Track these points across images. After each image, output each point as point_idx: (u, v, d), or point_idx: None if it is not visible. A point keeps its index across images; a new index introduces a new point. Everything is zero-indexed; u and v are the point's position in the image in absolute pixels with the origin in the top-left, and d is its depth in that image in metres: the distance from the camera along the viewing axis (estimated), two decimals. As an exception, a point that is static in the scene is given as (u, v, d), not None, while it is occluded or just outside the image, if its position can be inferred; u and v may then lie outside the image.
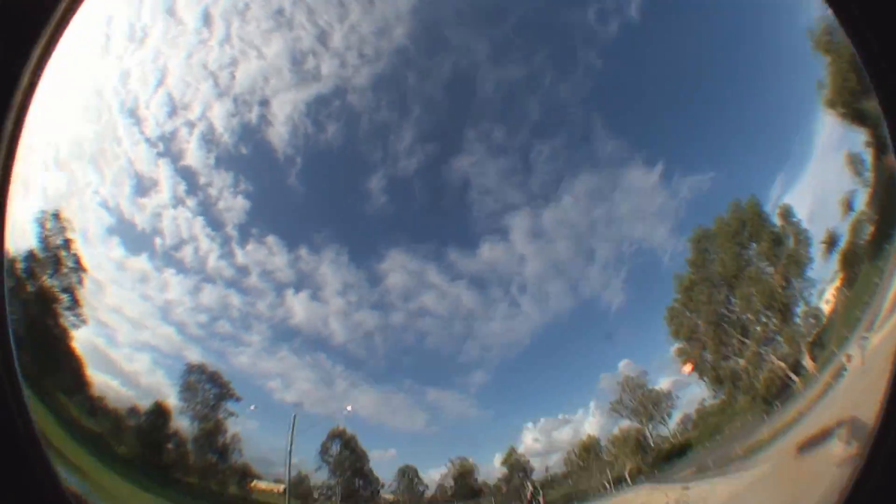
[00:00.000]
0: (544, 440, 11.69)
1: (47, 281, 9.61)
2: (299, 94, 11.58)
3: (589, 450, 11.73)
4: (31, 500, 3.16)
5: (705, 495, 9.32)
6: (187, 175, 11.45)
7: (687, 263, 11.77)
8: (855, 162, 8.02)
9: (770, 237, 10.91)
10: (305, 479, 11.85)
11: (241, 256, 11.62)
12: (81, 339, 9.56)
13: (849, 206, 8.41)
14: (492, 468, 12.07)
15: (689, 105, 11.45)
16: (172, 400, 11.04)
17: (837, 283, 9.06)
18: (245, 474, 11.25)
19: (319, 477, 12.15)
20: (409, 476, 12.40)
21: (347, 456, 12.46)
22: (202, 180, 11.56)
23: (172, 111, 11.11)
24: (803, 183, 10.21)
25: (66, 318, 9.63)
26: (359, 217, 12.34)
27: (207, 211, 11.58)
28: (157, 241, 11.27)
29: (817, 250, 9.93)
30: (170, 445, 10.89)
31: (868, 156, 7.68)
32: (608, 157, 11.77)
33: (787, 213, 10.60)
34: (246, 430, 11.59)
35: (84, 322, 9.78)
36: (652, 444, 11.56)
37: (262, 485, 11.35)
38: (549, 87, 11.65)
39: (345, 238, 12.04)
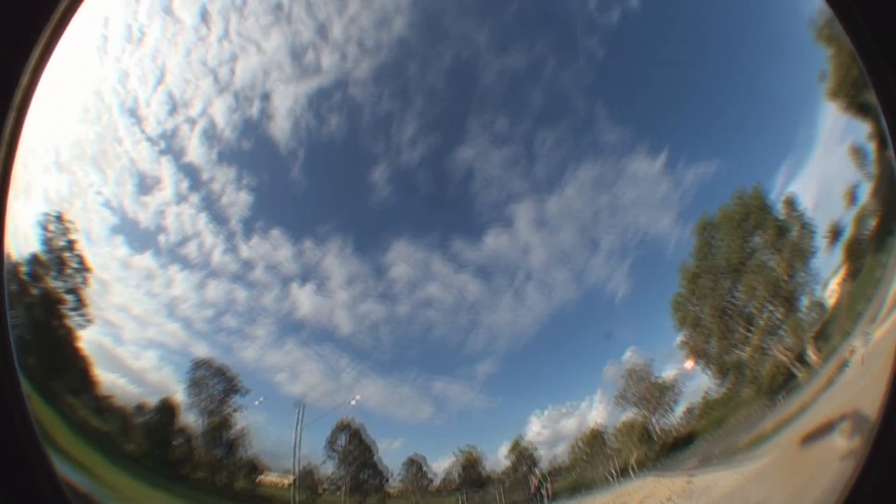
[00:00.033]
0: (550, 430, 11.73)
1: (51, 283, 9.66)
2: (300, 87, 11.55)
3: (594, 440, 11.78)
4: (30, 499, 3.18)
5: (709, 486, 9.37)
6: (190, 172, 11.46)
7: (691, 253, 11.73)
8: (858, 154, 7.94)
9: (774, 227, 10.85)
10: (313, 472, 11.92)
11: (245, 250, 11.65)
12: (88, 339, 9.63)
13: (852, 198, 8.35)
14: (498, 458, 12.14)
15: (693, 93, 11.36)
16: (180, 396, 11.13)
17: (841, 275, 9.02)
18: (253, 468, 11.35)
19: (327, 469, 12.23)
20: (415, 466, 12.50)
21: (354, 447, 12.56)
22: (205, 176, 11.58)
23: (173, 109, 11.08)
24: (807, 173, 10.14)
25: (72, 319, 9.70)
26: (363, 208, 12.35)
27: (211, 206, 11.60)
28: (161, 238, 11.32)
29: (821, 241, 9.87)
30: (177, 442, 10.99)
31: (871, 148, 7.61)
32: (612, 145, 11.71)
33: (791, 203, 10.53)
34: (254, 423, 11.69)
35: (90, 322, 9.84)
36: (657, 435, 11.59)
37: (269, 478, 11.45)
38: (552, 75, 11.58)
39: (349, 230, 12.04)
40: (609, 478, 11.44)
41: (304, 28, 11.55)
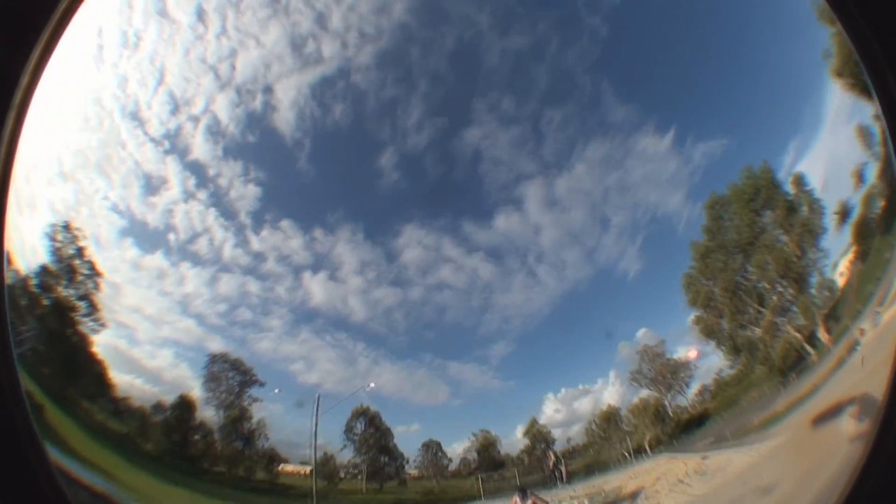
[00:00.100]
0: (565, 411, 11.83)
1: (63, 292, 9.80)
2: (302, 78, 11.56)
3: (609, 420, 11.85)
4: (30, 499, 3.23)
5: (723, 466, 9.39)
6: (196, 169, 11.59)
7: (702, 230, 11.63)
8: (865, 135, 7.77)
9: (784, 204, 10.70)
10: (331, 459, 12.11)
11: (256, 243, 11.80)
12: (102, 343, 9.81)
13: (860, 178, 8.19)
14: (514, 440, 12.27)
15: (699, 71, 11.23)
16: (197, 392, 11.36)
17: (851, 255, 8.89)
18: (272, 458, 11.54)
19: (345, 456, 12.43)
20: (432, 450, 12.65)
21: (372, 433, 12.74)
22: (211, 172, 11.69)
23: (175, 109, 11.18)
24: (815, 152, 10.01)
25: (85, 325, 9.86)
26: (372, 195, 12.40)
27: (219, 202, 11.73)
28: (171, 236, 11.50)
29: (831, 221, 9.73)
30: (196, 437, 11.20)
31: (876, 130, 7.43)
32: (619, 123, 11.64)
33: (799, 181, 10.39)
34: (271, 414, 11.88)
35: (103, 326, 10.01)
36: (671, 415, 11.60)
37: (288, 468, 11.63)
38: (556, 54, 11.47)
39: (359, 216, 12.15)
40: (624, 457, 11.49)
41: (303, 19, 11.50)
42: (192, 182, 11.49)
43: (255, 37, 11.14)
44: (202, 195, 11.59)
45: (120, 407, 9.74)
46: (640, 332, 11.76)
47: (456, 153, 12.06)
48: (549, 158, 12.05)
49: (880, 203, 7.76)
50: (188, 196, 11.45)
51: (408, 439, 12.58)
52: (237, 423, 11.65)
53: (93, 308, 10.03)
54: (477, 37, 11.52)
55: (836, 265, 9.55)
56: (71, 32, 3.36)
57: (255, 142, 11.86)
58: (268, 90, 11.51)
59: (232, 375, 11.71)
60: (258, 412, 11.76)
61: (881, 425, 3.44)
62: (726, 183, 11.36)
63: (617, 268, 12.17)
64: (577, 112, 11.65)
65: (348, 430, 12.79)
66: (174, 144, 11.23)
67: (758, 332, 10.93)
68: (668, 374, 11.76)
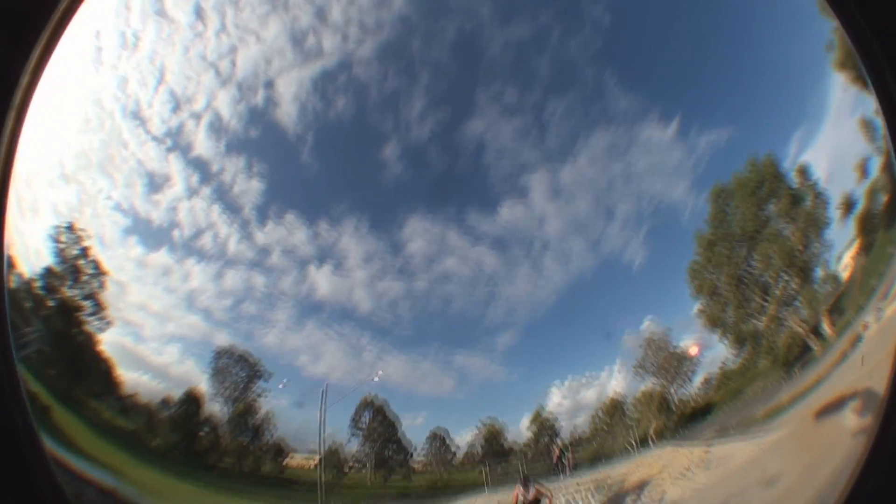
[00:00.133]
0: (571, 400, 11.85)
1: (68, 293, 9.87)
2: (304, 72, 11.52)
3: (614, 410, 11.87)
4: (30, 499, 3.26)
5: (726, 457, 9.45)
6: (199, 165, 11.59)
7: (706, 220, 11.60)
8: (868, 128, 7.68)
9: (788, 195, 10.66)
10: (338, 451, 12.19)
11: (260, 237, 11.80)
12: (108, 341, 9.90)
13: (864, 171, 8.13)
14: (520, 429, 12.31)
15: (701, 60, 11.12)
16: (203, 386, 11.43)
17: (855, 249, 8.85)
18: (279, 451, 11.64)
19: (352, 447, 12.51)
20: (438, 440, 12.72)
21: (378, 424, 12.81)
22: (214, 168, 11.69)
23: (176, 106, 11.17)
24: (819, 144, 9.93)
25: (91, 324, 9.93)
26: (376, 186, 12.38)
27: (223, 197, 11.73)
28: (176, 233, 11.50)
29: (834, 213, 9.68)
30: (203, 432, 11.30)
31: (880, 123, 7.35)
32: (622, 113, 11.56)
33: (804, 173, 10.33)
34: (278, 407, 11.96)
35: (109, 324, 10.09)
36: (675, 405, 11.61)
37: (296, 460, 11.73)
38: (558, 44, 11.38)
39: (363, 208, 12.12)
40: (629, 447, 11.53)
41: (303, 13, 11.44)
42: (195, 179, 11.49)
43: (254, 33, 11.11)
44: (206, 191, 11.60)
45: (127, 404, 9.82)
46: (645, 322, 11.74)
47: (459, 144, 12.01)
48: (552, 149, 11.99)
49: (883, 198, 7.71)
50: (192, 193, 11.46)
51: (414, 430, 12.62)
52: (244, 416, 11.74)
53: (98, 307, 10.10)
54: (478, 27, 11.44)
55: (840, 258, 9.51)
56: (71, 33, 3.36)
57: (257, 137, 11.84)
58: (269, 85, 11.49)
59: (238, 369, 11.77)
60: (265, 405, 11.83)
61: (882, 423, 3.45)
62: (730, 173, 11.33)
63: (622, 257, 12.13)
64: (580, 102, 11.58)
65: (355, 420, 12.84)
66: (176, 142, 11.24)
67: (762, 323, 10.94)
68: (673, 364, 11.75)
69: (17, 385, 3.31)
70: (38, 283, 9.13)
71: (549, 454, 11.99)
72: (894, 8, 3.26)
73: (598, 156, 11.82)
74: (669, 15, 10.94)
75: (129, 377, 9.97)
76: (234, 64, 11.28)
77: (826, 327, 9.41)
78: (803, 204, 10.45)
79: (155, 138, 11.07)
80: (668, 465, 10.32)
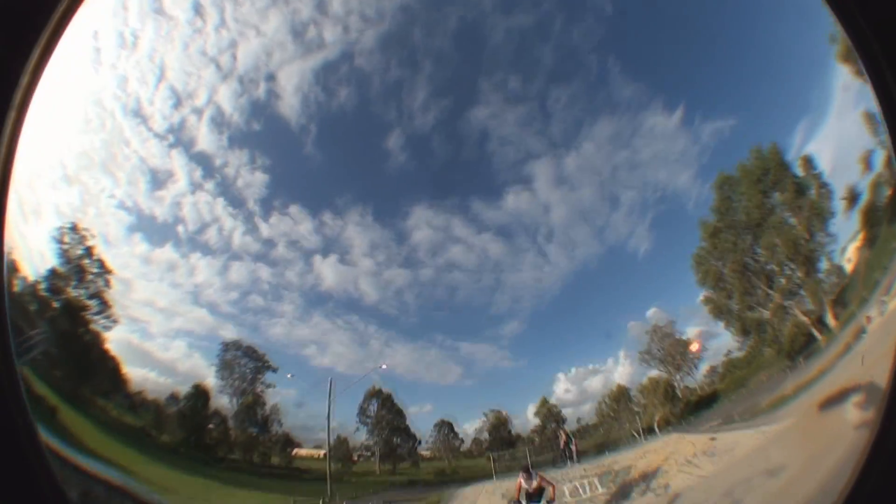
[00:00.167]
0: (576, 390, 11.94)
1: (73, 293, 9.91)
2: (305, 64, 11.51)
3: (619, 399, 11.91)
4: (30, 499, 3.30)
5: (731, 446, 9.46)
6: (202, 160, 11.64)
7: (711, 209, 11.55)
8: (871, 121, 7.60)
9: (793, 185, 10.58)
10: (345, 442, 12.32)
11: (265, 229, 11.88)
12: (115, 339, 9.97)
13: (868, 164, 8.06)
14: (526, 418, 12.40)
15: (707, 49, 11.02)
16: (211, 380, 11.56)
17: (858, 242, 8.80)
18: (287, 443, 11.74)
19: (359, 438, 12.63)
20: (445, 429, 12.83)
21: (385, 414, 12.91)
22: (218, 162, 11.74)
23: (178, 103, 11.21)
24: (823, 135, 9.88)
25: (97, 323, 10.00)
26: (380, 177, 12.41)
27: (227, 191, 11.79)
28: (180, 228, 11.61)
29: (839, 205, 9.62)
30: (211, 425, 11.41)
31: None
32: (626, 101, 11.52)
33: (808, 163, 10.25)
34: (285, 399, 12.08)
35: (115, 322, 10.16)
36: (680, 395, 11.64)
37: (304, 451, 11.83)
38: (561, 32, 11.30)
39: (368, 199, 12.16)
40: (635, 435, 11.58)
41: (303, 5, 11.39)
42: (198, 173, 11.56)
43: (254, 26, 11.08)
44: (209, 185, 11.67)
45: (135, 401, 9.93)
46: (650, 311, 11.77)
47: (463, 133, 12.01)
48: (556, 137, 11.98)
49: (887, 192, 7.66)
50: (195, 187, 11.52)
51: (420, 420, 12.76)
52: (252, 409, 11.85)
53: (104, 305, 10.17)
54: (481, 16, 11.38)
55: (844, 250, 9.48)
56: (71, 32, 3.37)
57: (260, 130, 11.87)
58: (271, 78, 11.49)
59: (245, 362, 11.88)
60: (272, 398, 11.94)
61: (883, 422, 3.46)
62: (735, 161, 11.26)
63: (627, 246, 12.16)
64: (584, 90, 11.56)
65: (362, 411, 12.94)
66: (178, 138, 11.29)
67: (766, 313, 10.92)
68: (678, 354, 11.77)
69: (17, 385, 3.33)
70: (42, 285, 9.19)
71: (556, 441, 12.05)
72: (893, 7, 3.22)
73: (603, 144, 11.81)
74: (675, 4, 10.84)
75: (137, 374, 10.09)
76: (234, 58, 11.29)
77: (830, 318, 9.40)
78: (808, 194, 10.38)
79: (157, 135, 11.15)
80: (673, 453, 10.35)
